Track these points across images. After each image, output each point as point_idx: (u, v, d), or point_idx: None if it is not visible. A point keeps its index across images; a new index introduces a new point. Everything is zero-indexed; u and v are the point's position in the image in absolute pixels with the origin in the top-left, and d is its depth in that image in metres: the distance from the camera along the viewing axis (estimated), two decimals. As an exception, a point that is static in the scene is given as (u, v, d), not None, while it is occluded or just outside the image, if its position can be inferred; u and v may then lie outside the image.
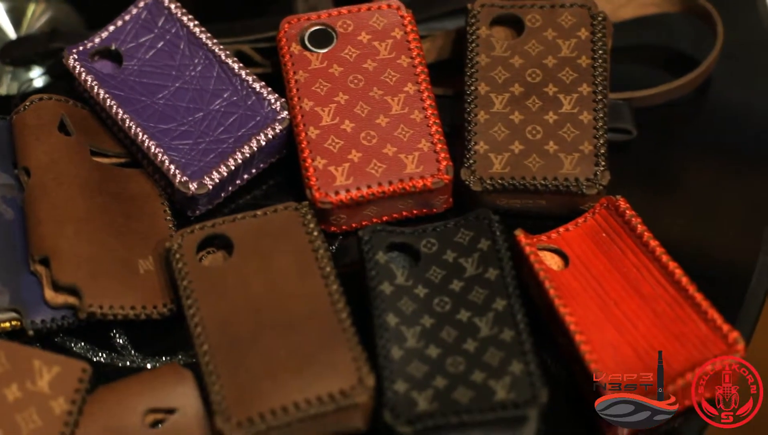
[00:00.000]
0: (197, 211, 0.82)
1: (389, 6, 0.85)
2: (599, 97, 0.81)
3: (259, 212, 0.77)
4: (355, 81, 0.82)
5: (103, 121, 0.85)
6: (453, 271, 0.74)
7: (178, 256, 0.75)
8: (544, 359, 0.74)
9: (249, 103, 0.82)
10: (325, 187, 0.79)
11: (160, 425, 0.71)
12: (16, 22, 0.94)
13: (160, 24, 0.86)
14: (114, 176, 0.82)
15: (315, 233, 0.76)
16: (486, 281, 0.73)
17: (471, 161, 0.80)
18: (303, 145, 0.80)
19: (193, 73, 0.84)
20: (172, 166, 0.79)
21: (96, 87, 0.83)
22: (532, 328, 0.71)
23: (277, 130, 0.81)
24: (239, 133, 0.81)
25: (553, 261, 0.77)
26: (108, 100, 0.82)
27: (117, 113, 0.82)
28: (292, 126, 0.81)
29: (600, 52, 0.82)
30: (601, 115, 0.80)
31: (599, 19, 0.83)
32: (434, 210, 0.81)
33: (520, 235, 0.76)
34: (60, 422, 0.70)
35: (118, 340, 0.78)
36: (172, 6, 0.86)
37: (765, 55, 0.92)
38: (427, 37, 0.88)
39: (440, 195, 0.80)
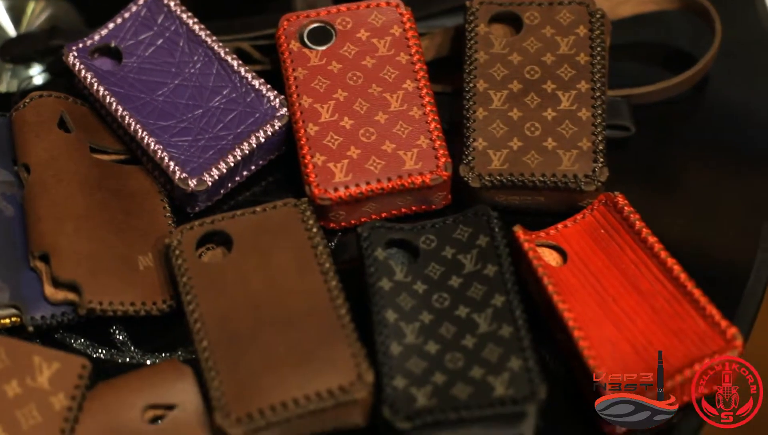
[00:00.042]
0: (197, 208, 0.82)
1: (388, 3, 0.85)
2: (598, 94, 0.81)
3: (258, 209, 0.77)
4: (354, 78, 0.82)
5: (103, 118, 0.85)
6: (452, 267, 0.74)
7: (177, 252, 0.75)
8: (542, 355, 0.74)
9: (248, 100, 0.82)
10: (324, 183, 0.79)
11: (159, 421, 0.71)
12: (16, 19, 0.94)
13: (159, 21, 0.86)
14: (113, 173, 0.82)
15: (314, 230, 0.76)
16: (485, 277, 0.73)
17: (470, 158, 0.80)
18: (302, 142, 0.80)
19: (192, 71, 0.84)
20: (172, 163, 0.80)
21: (96, 84, 0.83)
22: (531, 324, 0.72)
23: (277, 127, 0.81)
24: (238, 130, 0.81)
25: (551, 257, 0.77)
26: (108, 97, 0.82)
27: (116, 110, 0.82)
28: (291, 123, 0.82)
29: (598, 49, 0.82)
30: (600, 112, 0.80)
31: (597, 16, 0.83)
32: (433, 206, 0.82)
33: (519, 231, 0.77)
34: (60, 418, 0.70)
35: (117, 337, 0.78)
36: (172, 3, 0.86)
37: (763, 52, 0.92)
38: (425, 34, 0.88)
39: (439, 191, 0.80)
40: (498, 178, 0.79)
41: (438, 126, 0.80)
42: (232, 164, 0.80)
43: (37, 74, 0.92)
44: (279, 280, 0.74)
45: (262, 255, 0.75)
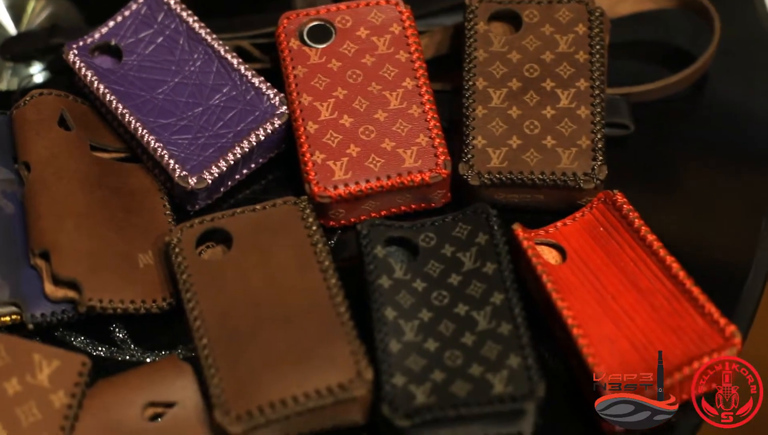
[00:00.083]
0: (196, 206, 0.82)
1: (388, 2, 0.85)
2: (597, 92, 0.81)
3: (258, 206, 0.77)
4: (354, 76, 0.82)
5: (103, 116, 0.85)
6: (451, 265, 0.74)
7: (177, 250, 0.76)
8: (541, 353, 0.74)
9: (248, 98, 0.83)
10: (324, 181, 0.79)
11: (159, 419, 0.71)
12: (17, 18, 0.94)
13: (159, 19, 0.86)
14: (114, 171, 0.82)
15: (314, 227, 0.76)
16: (484, 275, 0.74)
17: (469, 156, 0.80)
18: (302, 140, 0.80)
19: (192, 69, 0.84)
20: (172, 161, 0.80)
21: (96, 82, 0.83)
22: (530, 322, 0.72)
23: (276, 125, 0.81)
24: (238, 128, 0.81)
25: (550, 255, 0.78)
26: (108, 95, 0.83)
27: (117, 108, 0.82)
28: (291, 121, 0.82)
29: (597, 47, 0.82)
30: (599, 110, 0.80)
31: (597, 14, 0.83)
32: (432, 204, 0.82)
33: (518, 229, 0.77)
34: (60, 416, 0.70)
35: (117, 334, 0.78)
36: (172, 2, 0.86)
37: (761, 51, 0.92)
38: (425, 32, 0.88)
39: (438, 189, 0.80)
40: (497, 176, 0.79)
41: (437, 124, 0.80)
42: (232, 162, 0.80)
43: (37, 72, 0.92)
44: (279, 278, 0.74)
45: (262, 253, 0.75)
